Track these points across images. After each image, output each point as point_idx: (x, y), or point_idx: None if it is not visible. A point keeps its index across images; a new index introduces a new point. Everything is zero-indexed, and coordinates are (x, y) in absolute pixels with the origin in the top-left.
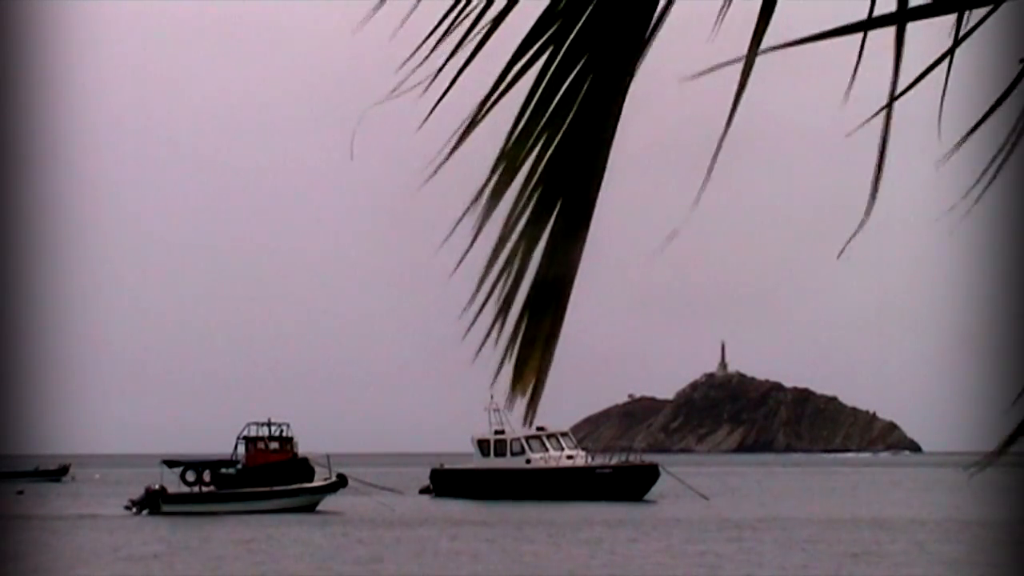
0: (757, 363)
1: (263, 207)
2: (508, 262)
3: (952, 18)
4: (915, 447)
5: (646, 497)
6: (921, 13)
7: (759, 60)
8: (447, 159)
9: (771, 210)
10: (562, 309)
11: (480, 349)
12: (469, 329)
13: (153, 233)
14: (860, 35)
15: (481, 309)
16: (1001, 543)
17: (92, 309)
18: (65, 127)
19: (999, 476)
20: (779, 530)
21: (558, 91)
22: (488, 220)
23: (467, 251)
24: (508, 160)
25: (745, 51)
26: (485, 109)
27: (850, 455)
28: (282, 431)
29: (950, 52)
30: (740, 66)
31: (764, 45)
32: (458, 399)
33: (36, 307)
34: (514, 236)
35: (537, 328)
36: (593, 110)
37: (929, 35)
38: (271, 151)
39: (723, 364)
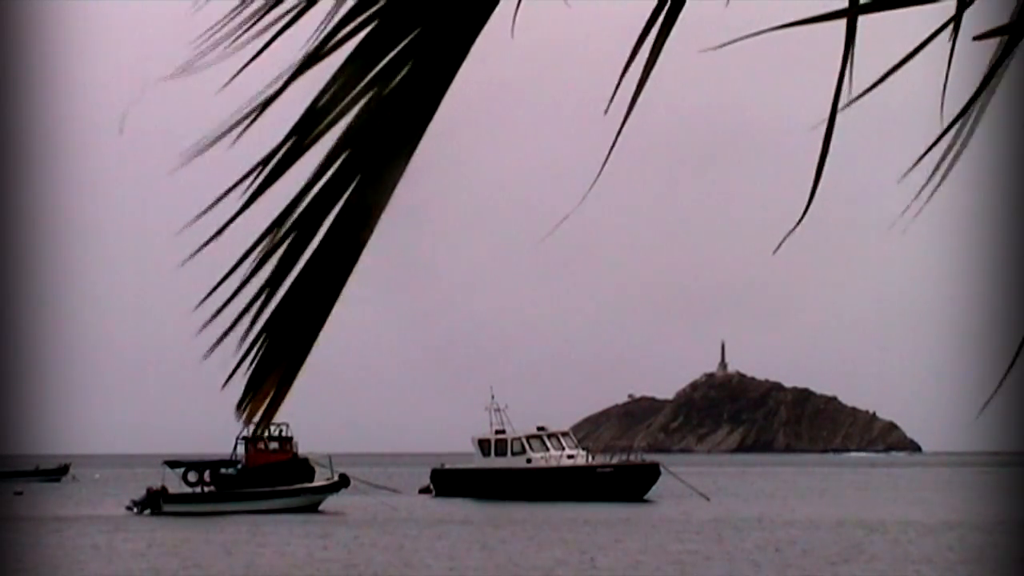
0: (757, 363)
1: (263, 206)
2: (266, 254)
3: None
4: (915, 447)
5: (647, 497)
6: (873, 7)
7: (761, 61)
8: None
9: (772, 210)
10: (323, 315)
11: (211, 351)
12: (208, 322)
13: (153, 232)
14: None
15: (226, 303)
16: (990, 545)
17: (92, 309)
18: (65, 126)
19: (995, 477)
20: (761, 531)
21: (372, 67)
22: (252, 203)
23: (216, 235)
24: (299, 135)
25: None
26: (290, 77)
27: (852, 455)
28: (282, 431)
29: (918, 51)
30: (749, 46)
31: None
32: (458, 399)
33: (36, 307)
34: (285, 226)
35: (289, 334)
36: (409, 95)
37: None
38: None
39: (723, 364)
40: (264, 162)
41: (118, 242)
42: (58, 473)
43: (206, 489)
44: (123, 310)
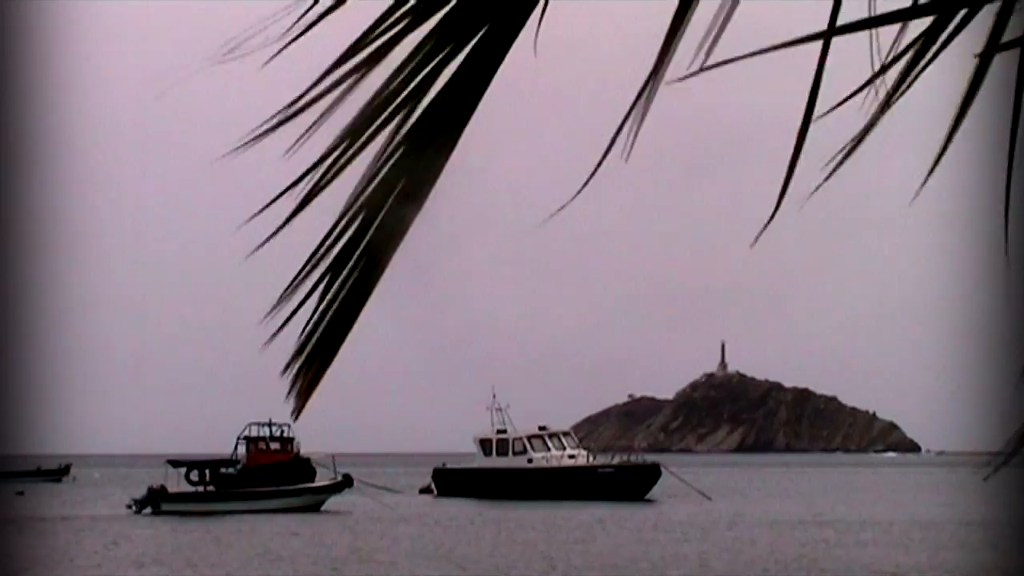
0: (757, 363)
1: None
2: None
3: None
4: (915, 447)
5: (647, 496)
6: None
7: (763, 61)
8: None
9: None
10: (362, 300)
11: (278, 332)
12: (280, 302)
13: (153, 233)
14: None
15: (291, 288)
16: (958, 546)
17: (92, 309)
18: (65, 127)
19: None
20: (735, 529)
21: (423, 67)
22: (315, 196)
23: (280, 228)
24: (352, 136)
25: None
26: (347, 68)
27: (852, 455)
28: (283, 431)
29: (894, 61)
30: (735, 65)
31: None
32: (460, 399)
33: (36, 307)
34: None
35: (339, 308)
36: (457, 91)
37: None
38: (273, 150)
39: (723, 364)
40: (315, 166)
41: (118, 242)
42: (59, 473)
43: (207, 488)
44: (123, 310)
